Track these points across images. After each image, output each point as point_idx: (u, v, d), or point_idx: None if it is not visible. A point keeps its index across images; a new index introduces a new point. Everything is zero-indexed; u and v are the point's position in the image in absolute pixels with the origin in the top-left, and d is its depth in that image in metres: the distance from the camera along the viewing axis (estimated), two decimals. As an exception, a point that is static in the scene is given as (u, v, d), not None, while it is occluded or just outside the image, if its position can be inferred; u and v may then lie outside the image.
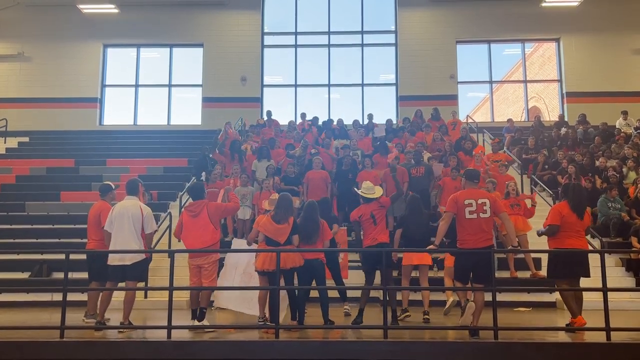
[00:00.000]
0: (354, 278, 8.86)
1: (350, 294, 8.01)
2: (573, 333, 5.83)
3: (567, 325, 5.98)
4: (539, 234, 6.49)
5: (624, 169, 12.16)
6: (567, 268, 6.00)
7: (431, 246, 5.97)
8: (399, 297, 7.20)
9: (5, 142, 16.98)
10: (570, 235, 6.05)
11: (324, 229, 6.76)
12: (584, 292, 6.29)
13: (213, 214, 6.34)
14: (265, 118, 15.86)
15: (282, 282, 6.33)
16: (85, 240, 7.15)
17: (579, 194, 6.16)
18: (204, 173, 11.27)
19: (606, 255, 9.35)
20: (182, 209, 6.91)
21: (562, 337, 5.71)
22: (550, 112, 18.89)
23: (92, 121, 18.39)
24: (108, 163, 14.75)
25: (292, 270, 6.29)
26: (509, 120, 16.14)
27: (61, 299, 5.63)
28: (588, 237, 9.97)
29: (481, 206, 5.68)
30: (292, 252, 6.24)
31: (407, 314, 7.06)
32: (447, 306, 7.52)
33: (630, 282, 9.35)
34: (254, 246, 6.86)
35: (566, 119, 16.97)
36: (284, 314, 6.81)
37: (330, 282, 7.11)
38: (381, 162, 11.27)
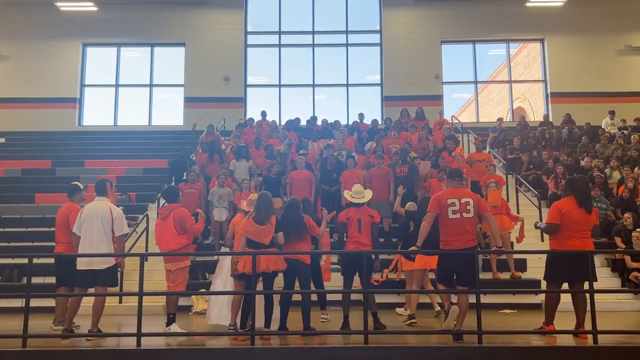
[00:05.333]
0: (337, 281, 8.59)
1: (332, 297, 7.78)
2: (578, 338, 5.54)
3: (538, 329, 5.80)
4: (536, 227, 6.29)
5: (607, 169, 12.09)
6: (561, 271, 5.61)
7: (413, 247, 5.76)
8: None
9: (-20, 144, 16.51)
10: (572, 236, 5.53)
11: (309, 226, 6.43)
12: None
13: (177, 221, 6.16)
14: (261, 118, 15.41)
15: (260, 287, 6.07)
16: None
17: (587, 188, 5.73)
18: (185, 174, 10.93)
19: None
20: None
21: (547, 340, 5.54)
22: (535, 112, 18.86)
23: (70, 122, 17.93)
24: (86, 164, 14.41)
25: (274, 274, 6.02)
26: (499, 120, 16.06)
27: (34, 305, 5.34)
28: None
29: (464, 205, 5.48)
30: (273, 254, 5.96)
31: (413, 320, 6.87)
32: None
33: (616, 282, 9.25)
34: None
35: (551, 119, 16.96)
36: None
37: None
38: (362, 161, 11.14)
